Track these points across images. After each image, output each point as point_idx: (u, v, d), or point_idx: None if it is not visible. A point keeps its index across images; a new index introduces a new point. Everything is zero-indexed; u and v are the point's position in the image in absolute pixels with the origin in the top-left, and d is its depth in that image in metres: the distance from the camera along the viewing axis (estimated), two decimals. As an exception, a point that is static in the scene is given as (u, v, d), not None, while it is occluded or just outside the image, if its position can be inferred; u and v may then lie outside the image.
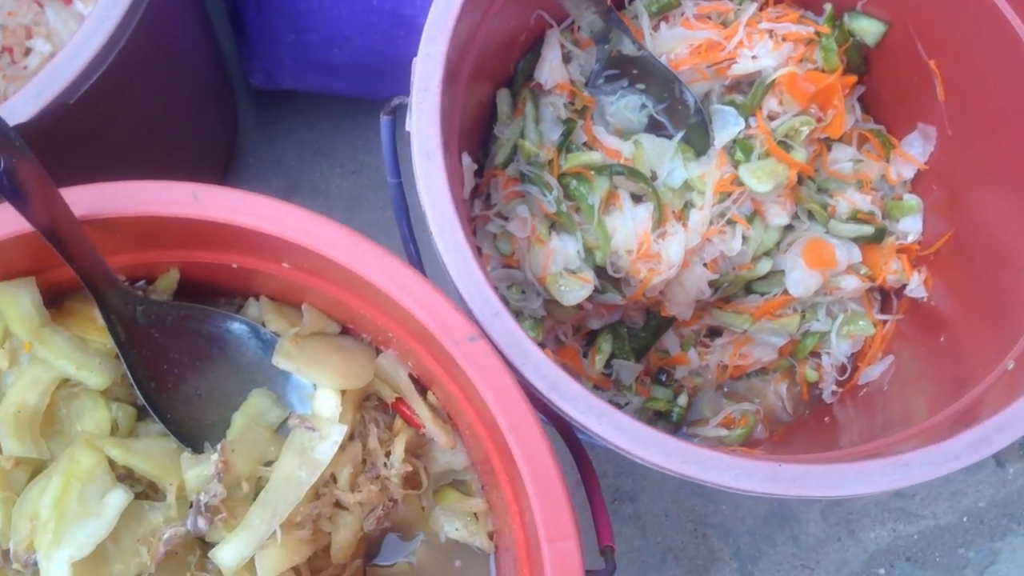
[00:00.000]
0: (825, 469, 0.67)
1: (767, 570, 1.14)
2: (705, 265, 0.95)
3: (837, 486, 0.67)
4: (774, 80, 0.95)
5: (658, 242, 0.91)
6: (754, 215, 0.97)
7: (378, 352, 0.83)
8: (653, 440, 0.67)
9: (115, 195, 0.68)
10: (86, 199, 0.67)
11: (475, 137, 0.93)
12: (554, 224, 0.92)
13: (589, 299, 0.92)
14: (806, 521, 1.14)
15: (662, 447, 0.67)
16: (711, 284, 0.97)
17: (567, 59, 0.96)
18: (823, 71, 0.98)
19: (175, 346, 0.77)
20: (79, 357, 0.72)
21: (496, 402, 0.66)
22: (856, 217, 1.00)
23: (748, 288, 1.03)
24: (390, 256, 0.67)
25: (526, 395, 0.66)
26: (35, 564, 0.65)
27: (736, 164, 0.95)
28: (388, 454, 0.82)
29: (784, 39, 0.95)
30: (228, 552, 0.71)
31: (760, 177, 0.93)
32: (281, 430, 0.79)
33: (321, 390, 0.79)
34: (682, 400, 1.04)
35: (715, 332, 1.06)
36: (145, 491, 0.73)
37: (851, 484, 0.67)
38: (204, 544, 0.74)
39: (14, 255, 0.70)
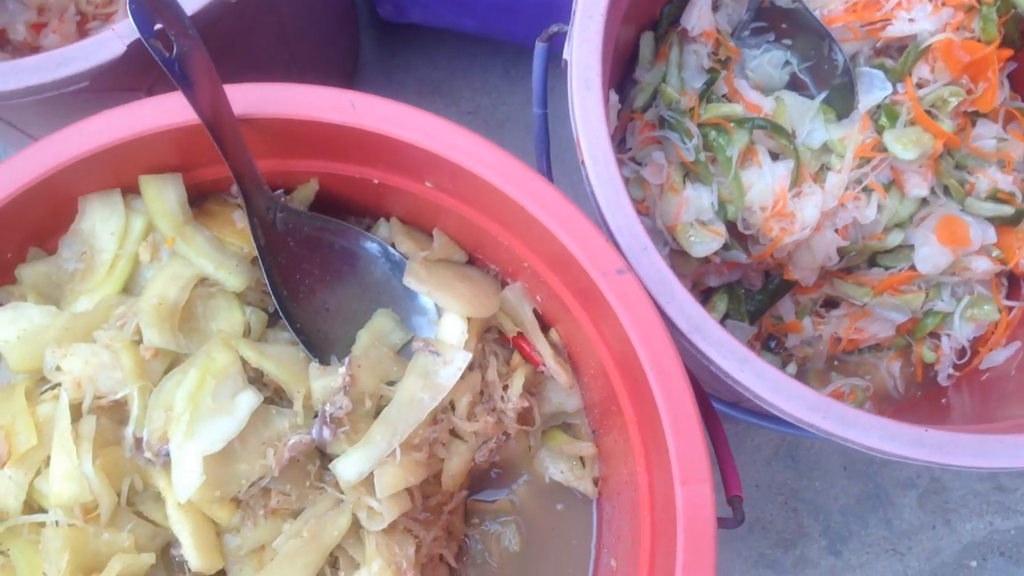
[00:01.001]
0: (974, 438, 0.65)
1: (856, 551, 1.11)
2: (836, 231, 0.92)
3: (985, 456, 0.64)
4: (929, 46, 0.91)
5: (794, 201, 0.88)
6: (891, 184, 0.93)
7: (504, 285, 0.82)
8: (796, 392, 0.65)
9: (275, 96, 0.67)
10: (246, 97, 0.67)
11: (614, 79, 0.91)
12: (688, 174, 0.89)
13: (715, 255, 0.90)
14: (901, 506, 1.11)
15: (804, 401, 0.65)
16: (838, 252, 0.94)
17: (715, 7, 0.93)
18: (979, 41, 0.93)
19: (308, 258, 0.76)
20: (218, 257, 0.72)
21: (640, 337, 0.64)
22: (995, 196, 0.96)
23: (872, 260, 1.00)
24: (545, 182, 0.66)
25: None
26: (167, 455, 0.65)
27: (880, 130, 0.91)
28: (505, 388, 0.81)
29: (944, 3, 0.91)
30: (348, 465, 0.71)
31: (906, 144, 0.89)
32: (402, 353, 0.78)
33: (447, 316, 0.78)
34: (791, 369, 1.02)
35: (832, 303, 1.03)
36: (271, 397, 0.72)
37: (1001, 456, 0.64)
38: (323, 456, 0.74)
39: (165, 149, 0.70)
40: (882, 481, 1.13)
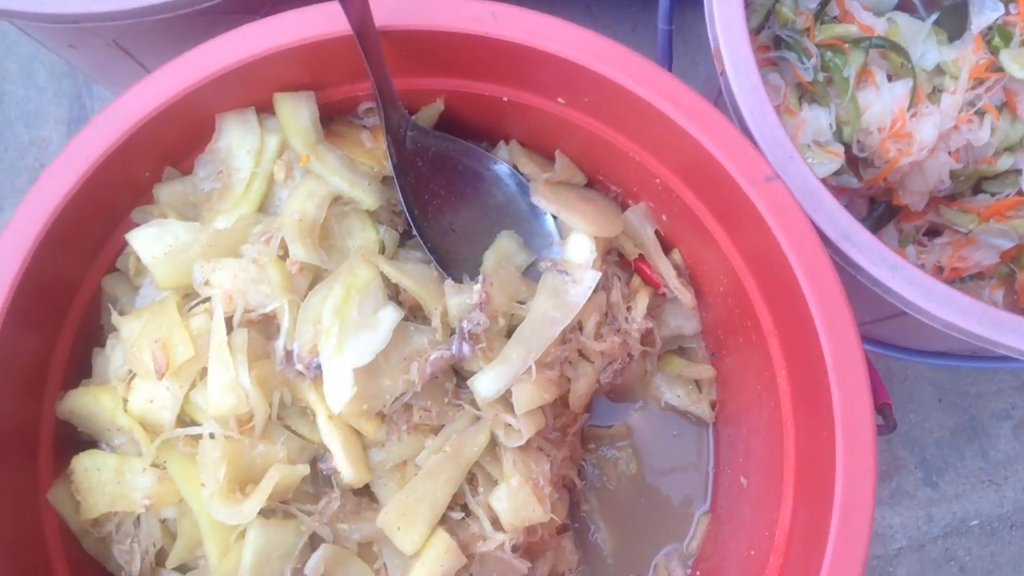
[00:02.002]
0: None
1: (952, 482, 1.11)
2: (948, 154, 0.91)
3: None
4: (1042, -37, 0.89)
5: (911, 121, 0.87)
6: (1003, 106, 0.92)
7: (624, 208, 0.81)
8: (949, 298, 0.65)
9: (415, 8, 0.66)
10: (385, 8, 0.66)
11: None
12: (804, 95, 0.88)
13: (825, 180, 0.89)
14: (997, 437, 1.11)
15: (957, 306, 0.65)
16: (949, 175, 0.93)
17: (826, -74, 0.91)
18: (1093, -44, 0.91)
19: (434, 178, 0.76)
20: (351, 176, 0.72)
21: (792, 245, 0.63)
22: (1108, 119, 0.94)
23: (977, 187, 0.98)
24: (693, 92, 0.65)
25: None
26: (317, 367, 0.65)
27: (993, 51, 0.90)
28: (628, 309, 0.81)
29: (1057, -82, 0.89)
30: (486, 382, 0.71)
31: (1023, 64, 0.88)
32: (527, 274, 0.78)
33: (575, 236, 0.78)
34: (893, 299, 1.01)
35: (934, 232, 1.02)
36: (407, 315, 0.72)
37: None
38: (457, 375, 0.74)
39: (298, 67, 0.70)
40: (977, 412, 1.12)
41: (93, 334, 0.73)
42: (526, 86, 0.72)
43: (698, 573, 0.84)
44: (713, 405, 0.87)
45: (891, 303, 0.72)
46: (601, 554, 0.86)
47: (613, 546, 0.86)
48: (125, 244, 0.72)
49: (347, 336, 0.66)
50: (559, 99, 0.73)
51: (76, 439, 0.71)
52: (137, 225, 0.71)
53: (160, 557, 0.69)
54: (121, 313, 0.70)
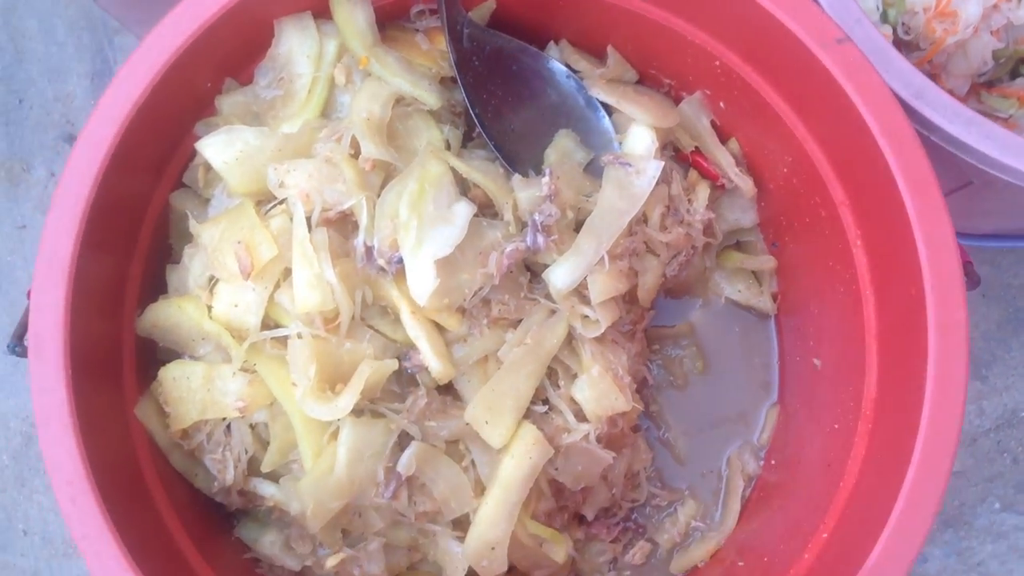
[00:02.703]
0: None
1: (1001, 375, 1.12)
2: (991, 34, 0.91)
3: None
4: None
5: (956, 0, 0.86)
6: (1042, -17, 0.92)
7: (677, 102, 0.81)
8: (1027, 150, 0.65)
9: None
10: None
11: None
12: (847, -21, 0.88)
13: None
14: (1044, 327, 1.12)
15: (1036, 157, 0.65)
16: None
17: None
18: None
19: (491, 77, 0.76)
20: (412, 77, 0.71)
21: (867, 105, 0.63)
22: None
23: (1015, 72, 0.98)
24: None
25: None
26: (398, 261, 0.65)
27: (1031, -76, 0.89)
28: (689, 201, 0.81)
29: None
30: (560, 273, 0.71)
31: (1062, -65, 0.87)
32: (586, 172, 0.78)
33: (635, 128, 0.78)
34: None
35: (974, 119, 1.02)
36: (478, 212, 0.72)
37: None
38: (529, 271, 0.74)
39: (351, -33, 0.69)
40: (1021, 304, 1.13)
41: (163, 253, 0.72)
42: (581, -26, 0.72)
43: (773, 462, 0.84)
44: (774, 297, 0.87)
45: (958, 172, 0.72)
46: (673, 452, 0.86)
47: (684, 444, 0.87)
48: (190, 159, 0.72)
49: (426, 229, 0.65)
50: (615, -16, 0.72)
51: (153, 359, 0.71)
52: (202, 137, 0.70)
53: (251, 466, 0.68)
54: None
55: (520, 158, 0.76)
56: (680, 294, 0.88)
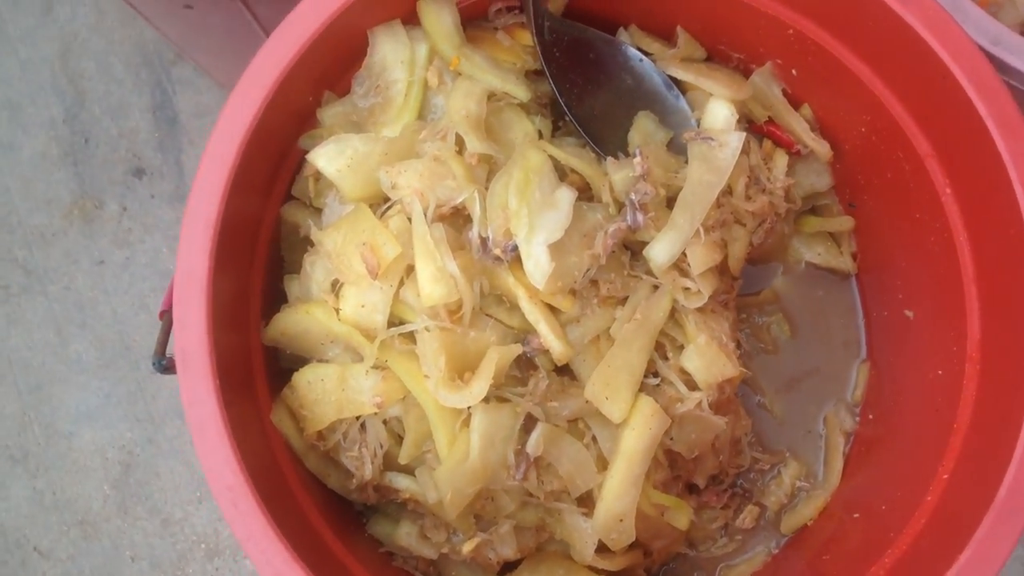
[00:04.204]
0: None
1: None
2: (1038, -19, 0.93)
3: None
4: None
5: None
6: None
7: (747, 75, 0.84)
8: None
9: None
10: None
11: None
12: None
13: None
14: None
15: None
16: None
17: None
18: None
19: (571, 66, 0.78)
20: (500, 73, 0.74)
21: (951, 55, 0.65)
22: None
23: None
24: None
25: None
26: (513, 249, 0.68)
27: None
28: (769, 170, 0.83)
29: None
30: (660, 249, 0.73)
31: None
32: (668, 149, 0.80)
33: (713, 102, 0.80)
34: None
35: None
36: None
37: None
38: (626, 250, 0.76)
39: (434, -27, 0.72)
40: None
41: (274, 265, 0.75)
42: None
43: (870, 416, 0.86)
44: (854, 256, 0.89)
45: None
46: (769, 417, 0.88)
47: (780, 407, 0.89)
48: (296, 172, 0.74)
49: (535, 216, 0.68)
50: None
51: (276, 367, 0.74)
52: (306, 151, 0.73)
53: (386, 460, 0.71)
54: (306, 236, 0.72)
55: (604, 142, 0.79)
56: (761, 261, 0.90)
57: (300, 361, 0.73)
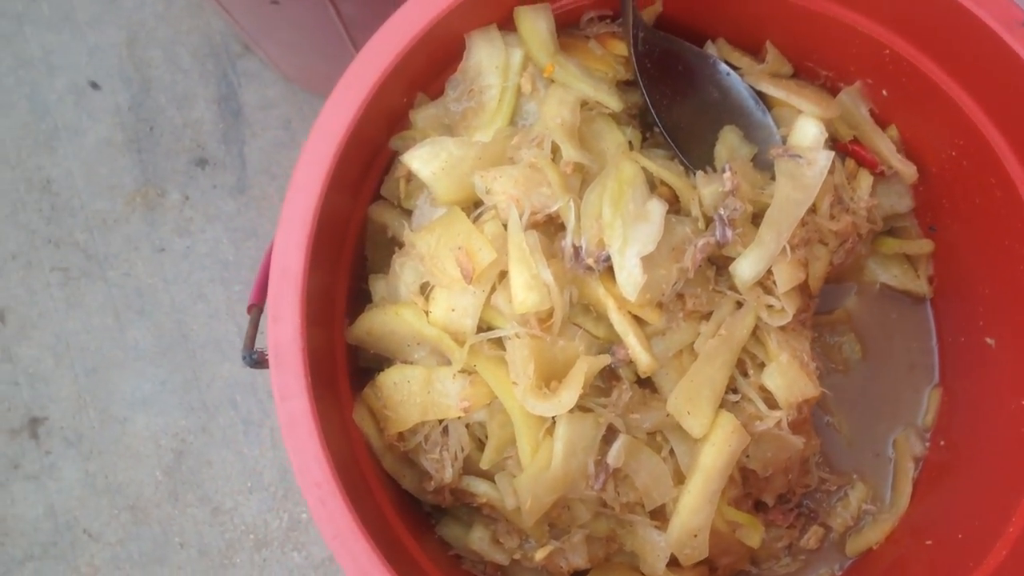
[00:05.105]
0: None
1: None
2: None
3: None
4: None
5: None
6: None
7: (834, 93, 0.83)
8: None
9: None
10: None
11: None
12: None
13: None
14: None
15: None
16: None
17: None
18: None
19: (662, 78, 0.78)
20: (592, 82, 0.74)
21: (1059, 84, 0.65)
22: None
23: None
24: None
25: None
26: (605, 260, 0.67)
27: None
28: (853, 189, 0.83)
29: None
30: (746, 265, 0.73)
31: None
32: (753, 164, 0.80)
33: (802, 120, 0.79)
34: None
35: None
36: (665, 208, 0.74)
37: None
38: (711, 264, 0.76)
39: (532, -21, 0.71)
40: None
41: (358, 263, 0.75)
42: (753, -29, 0.74)
43: (941, 443, 0.86)
44: (930, 280, 0.89)
45: None
46: (837, 438, 0.88)
47: (849, 428, 0.88)
48: (384, 172, 0.74)
49: (629, 228, 0.68)
50: (785, -19, 0.74)
51: (354, 366, 0.74)
52: (397, 152, 0.73)
53: (464, 464, 0.71)
54: (395, 238, 0.72)
55: (689, 154, 0.78)
56: (836, 280, 0.90)
57: (379, 360, 0.73)
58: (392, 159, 0.75)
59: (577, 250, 0.68)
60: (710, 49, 0.83)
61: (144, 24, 1.23)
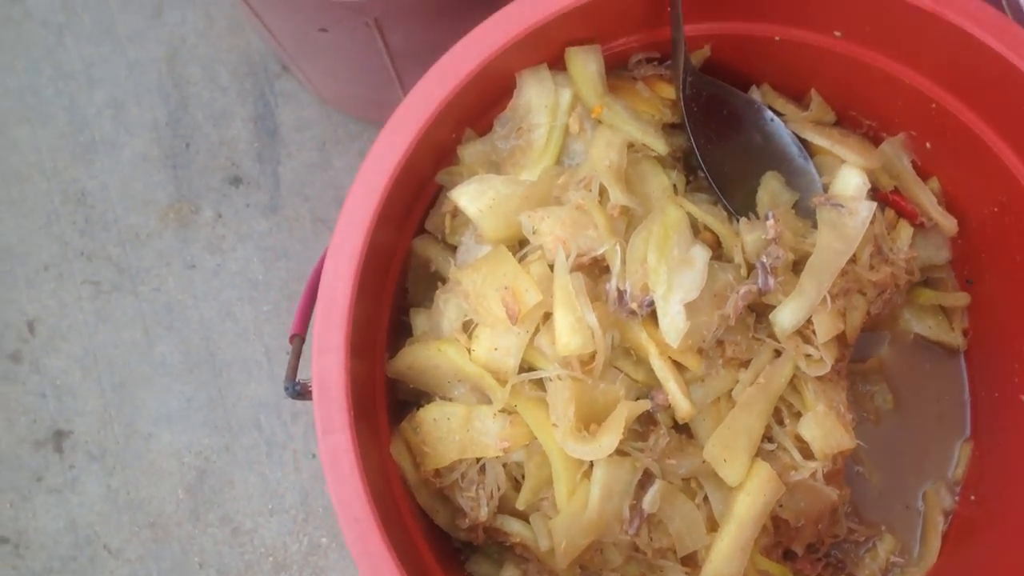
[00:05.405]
0: None
1: None
2: None
3: None
4: None
5: None
6: None
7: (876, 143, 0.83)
8: None
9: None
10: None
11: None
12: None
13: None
14: None
15: None
16: None
17: None
18: None
19: (707, 122, 0.78)
20: (640, 124, 0.74)
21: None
22: None
23: None
24: (994, 9, 0.67)
25: None
26: (649, 304, 0.67)
27: None
28: (892, 240, 0.83)
29: None
30: (787, 314, 0.73)
31: None
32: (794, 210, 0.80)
33: (845, 169, 0.80)
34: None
35: None
36: (706, 254, 0.74)
37: None
38: (750, 311, 0.76)
39: (584, 22, 0.72)
40: None
41: (398, 297, 0.75)
42: (802, 22, 0.74)
43: (972, 498, 0.85)
44: (964, 332, 0.88)
45: None
46: (867, 488, 0.87)
47: (879, 479, 0.88)
48: (429, 206, 0.75)
49: (674, 274, 0.68)
50: (835, 32, 0.74)
51: (391, 399, 0.74)
52: (442, 187, 0.73)
53: (499, 503, 0.71)
54: (437, 273, 0.73)
55: (730, 199, 0.78)
56: (870, 330, 0.90)
57: (416, 393, 0.73)
58: (438, 192, 0.75)
59: (621, 294, 0.68)
60: (754, 94, 0.83)
61: (185, 41, 1.24)
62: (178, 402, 1.14)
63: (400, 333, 0.75)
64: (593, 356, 0.67)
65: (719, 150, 0.79)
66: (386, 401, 0.72)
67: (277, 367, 1.15)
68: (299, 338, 0.70)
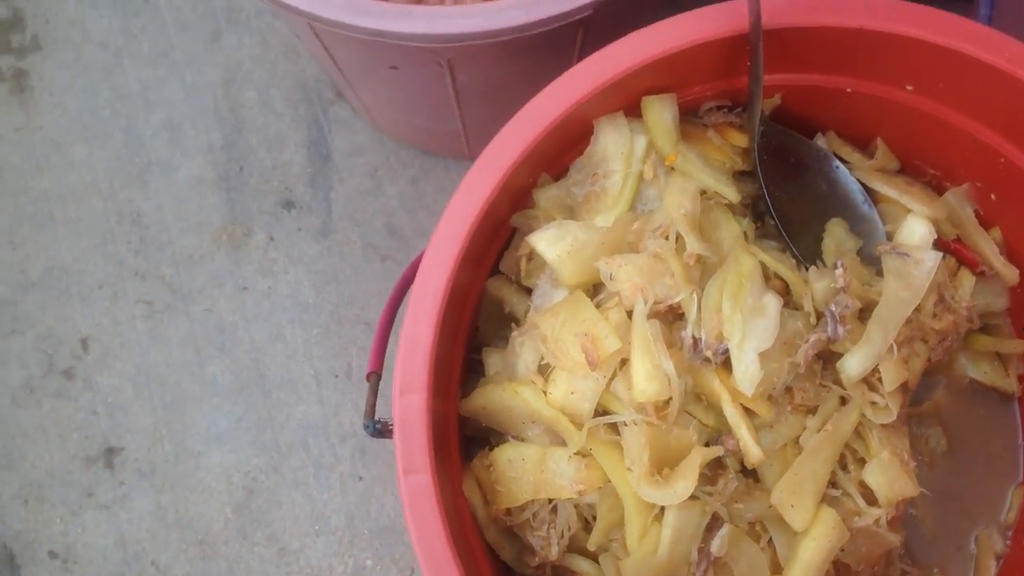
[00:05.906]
0: None
1: None
2: None
3: None
4: None
5: None
6: None
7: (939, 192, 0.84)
8: None
9: (789, 5, 0.70)
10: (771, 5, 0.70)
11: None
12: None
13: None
14: None
15: None
16: None
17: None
18: None
19: (774, 168, 0.79)
20: (712, 172, 0.75)
21: None
22: None
23: None
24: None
25: None
26: (723, 352, 0.69)
27: None
28: (954, 288, 0.84)
29: None
30: (854, 362, 0.74)
31: None
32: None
33: (912, 219, 0.81)
34: None
35: None
36: (776, 302, 0.75)
37: None
38: (818, 359, 0.77)
39: (662, 72, 0.73)
40: None
41: (471, 336, 0.77)
42: (875, 76, 0.75)
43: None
44: (1020, 379, 0.89)
45: None
46: (920, 530, 0.88)
47: (931, 522, 0.88)
48: (504, 247, 0.76)
49: (748, 323, 0.69)
50: (907, 87, 0.76)
51: (461, 436, 0.75)
52: (516, 229, 0.74)
53: (569, 542, 0.72)
54: (510, 314, 0.74)
55: (797, 245, 0.79)
56: (926, 374, 0.90)
57: (485, 431, 0.75)
58: (512, 234, 0.76)
59: (696, 342, 0.69)
60: (820, 141, 0.84)
61: (241, 66, 1.26)
62: (227, 422, 1.15)
63: (471, 372, 0.76)
64: (668, 402, 0.68)
65: (786, 197, 0.80)
66: (458, 438, 0.73)
67: (326, 389, 1.16)
68: (376, 375, 0.72)
